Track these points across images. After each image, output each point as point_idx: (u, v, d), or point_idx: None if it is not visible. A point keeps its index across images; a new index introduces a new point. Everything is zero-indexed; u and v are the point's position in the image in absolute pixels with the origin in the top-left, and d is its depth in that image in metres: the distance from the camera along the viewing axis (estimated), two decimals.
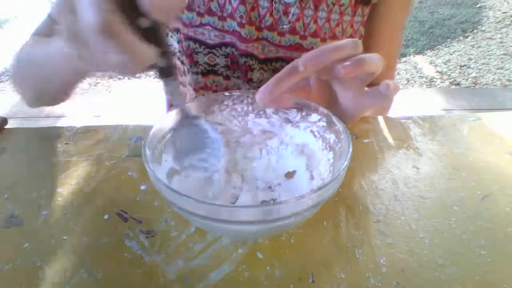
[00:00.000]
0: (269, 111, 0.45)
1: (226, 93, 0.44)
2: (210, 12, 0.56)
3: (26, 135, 0.54)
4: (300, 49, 0.57)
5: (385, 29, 0.63)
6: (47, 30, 0.57)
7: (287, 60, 0.58)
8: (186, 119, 0.40)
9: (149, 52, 0.30)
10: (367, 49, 0.63)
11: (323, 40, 0.57)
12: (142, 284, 0.35)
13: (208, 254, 0.38)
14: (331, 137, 0.40)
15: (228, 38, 0.57)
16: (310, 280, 0.35)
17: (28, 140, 0.53)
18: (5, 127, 0.56)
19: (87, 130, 0.55)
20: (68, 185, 0.45)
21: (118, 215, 0.41)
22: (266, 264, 0.37)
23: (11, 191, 0.45)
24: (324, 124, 0.41)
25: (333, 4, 0.55)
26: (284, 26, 0.55)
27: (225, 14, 0.55)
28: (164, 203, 0.43)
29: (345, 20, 0.57)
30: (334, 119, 0.39)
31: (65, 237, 0.39)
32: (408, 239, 0.39)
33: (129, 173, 0.47)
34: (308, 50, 0.56)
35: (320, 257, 0.37)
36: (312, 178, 0.42)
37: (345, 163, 0.33)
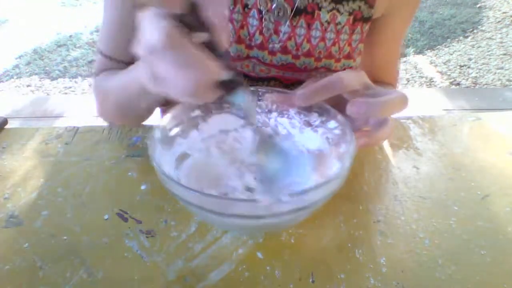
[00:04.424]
0: (291, 111, 0.45)
1: (252, 88, 0.44)
2: None
3: (26, 135, 0.54)
4: (293, 68, 0.54)
5: (386, 40, 0.61)
6: (107, 67, 0.60)
7: (281, 80, 0.56)
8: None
9: (213, 62, 0.30)
10: (366, 57, 0.61)
11: (318, 60, 0.54)
12: (142, 284, 0.35)
13: (208, 254, 0.38)
14: (343, 146, 0.39)
15: None
16: (310, 280, 0.35)
17: (28, 140, 0.53)
18: (5, 127, 0.56)
19: (87, 130, 0.55)
20: (68, 185, 0.45)
21: (118, 215, 0.41)
22: (266, 264, 0.37)
23: (11, 191, 0.45)
24: (339, 132, 0.40)
25: (328, 23, 0.52)
26: (276, 45, 0.53)
27: None
28: (164, 203, 0.43)
29: (342, 38, 0.54)
30: (347, 129, 0.38)
31: (65, 237, 0.39)
32: (408, 239, 0.39)
33: (129, 173, 0.47)
34: (301, 70, 0.54)
35: (320, 257, 0.37)
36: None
37: (338, 179, 0.33)
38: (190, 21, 0.29)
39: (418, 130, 0.55)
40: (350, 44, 0.55)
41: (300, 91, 0.40)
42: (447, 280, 0.35)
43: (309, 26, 0.52)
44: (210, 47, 0.30)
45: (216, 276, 0.36)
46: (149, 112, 0.59)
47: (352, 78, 0.39)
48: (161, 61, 0.30)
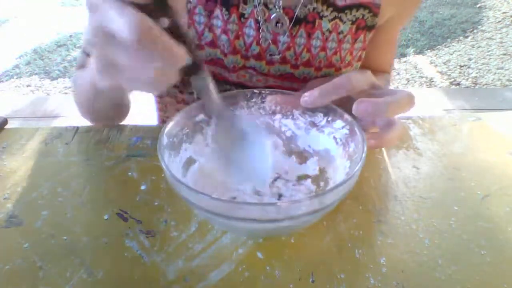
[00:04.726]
0: (296, 112, 0.44)
1: (256, 91, 0.44)
2: None
3: (26, 135, 0.54)
4: (291, 78, 0.53)
5: (386, 40, 0.61)
6: (83, 63, 0.58)
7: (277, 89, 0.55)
8: (219, 116, 0.38)
9: (181, 50, 0.28)
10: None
11: (318, 69, 0.52)
12: (142, 284, 0.35)
13: (208, 254, 0.38)
14: (352, 145, 0.39)
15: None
16: (310, 280, 0.35)
17: (28, 140, 0.53)
18: (5, 127, 0.56)
19: (87, 130, 0.55)
20: (68, 185, 0.45)
21: (118, 215, 0.41)
22: (266, 264, 0.37)
23: (11, 191, 0.45)
24: (347, 131, 0.40)
25: (330, 32, 0.50)
26: (275, 56, 0.51)
27: (202, 42, 0.50)
28: (164, 203, 0.43)
29: (344, 48, 0.52)
30: (356, 128, 0.38)
31: (65, 237, 0.39)
32: (408, 239, 0.39)
33: (129, 173, 0.47)
34: (300, 80, 0.53)
35: (320, 257, 0.37)
36: (326, 184, 0.41)
37: (350, 180, 0.33)
38: (154, 9, 0.27)
39: (418, 130, 0.55)
40: (351, 53, 0.53)
41: (307, 93, 0.39)
42: (447, 280, 0.35)
43: (309, 35, 0.50)
44: (171, 31, 0.29)
45: (216, 276, 0.36)
46: (117, 110, 0.57)
47: (359, 78, 0.39)
48: (124, 51, 0.27)
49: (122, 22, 0.25)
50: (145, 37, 0.25)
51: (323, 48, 0.51)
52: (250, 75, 0.53)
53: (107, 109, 0.55)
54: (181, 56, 0.28)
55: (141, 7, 0.26)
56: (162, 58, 0.27)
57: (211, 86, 0.35)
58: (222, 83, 0.54)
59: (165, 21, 0.28)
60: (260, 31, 0.49)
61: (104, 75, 0.29)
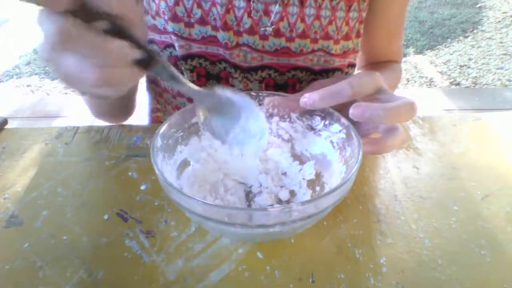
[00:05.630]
0: (293, 116, 0.44)
1: (253, 93, 0.43)
2: (175, 18, 0.49)
3: (26, 135, 0.54)
4: (288, 53, 0.51)
5: (387, 21, 0.59)
6: None
7: (274, 68, 0.52)
8: (200, 96, 0.37)
9: (121, 45, 0.27)
10: (368, 38, 0.60)
11: (314, 41, 0.50)
12: (142, 284, 0.35)
13: (208, 254, 0.38)
14: (348, 150, 0.39)
15: (195, 48, 0.51)
16: (310, 280, 0.35)
17: (28, 140, 0.53)
18: (5, 127, 0.56)
19: (87, 130, 0.55)
20: (68, 185, 0.45)
21: (118, 215, 0.41)
22: (266, 264, 0.37)
23: (11, 191, 0.45)
24: (344, 136, 0.40)
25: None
26: (267, 29, 0.48)
27: (192, 20, 0.49)
28: (164, 203, 0.43)
29: (338, 16, 0.50)
30: (353, 133, 0.38)
31: (65, 237, 0.39)
32: (408, 239, 0.39)
33: (129, 173, 0.47)
34: (297, 54, 0.51)
35: (320, 257, 0.37)
36: (322, 188, 0.41)
37: (344, 186, 0.32)
38: (86, 14, 0.26)
39: (418, 130, 0.55)
40: (347, 23, 0.52)
41: (307, 94, 0.38)
42: (447, 280, 0.35)
43: (302, 3, 0.48)
44: (117, 33, 0.27)
45: (216, 276, 0.36)
46: (119, 111, 0.58)
47: (365, 83, 0.38)
48: (62, 59, 0.27)
49: (46, 31, 0.25)
50: (65, 36, 0.25)
51: (317, 17, 0.49)
52: (245, 53, 0.51)
53: (110, 110, 0.57)
54: (119, 48, 0.27)
55: (74, 15, 0.26)
56: (97, 54, 0.26)
57: (175, 72, 0.33)
58: (217, 63, 0.52)
59: (101, 24, 0.27)
60: (252, 2, 0.47)
61: (66, 85, 0.29)
